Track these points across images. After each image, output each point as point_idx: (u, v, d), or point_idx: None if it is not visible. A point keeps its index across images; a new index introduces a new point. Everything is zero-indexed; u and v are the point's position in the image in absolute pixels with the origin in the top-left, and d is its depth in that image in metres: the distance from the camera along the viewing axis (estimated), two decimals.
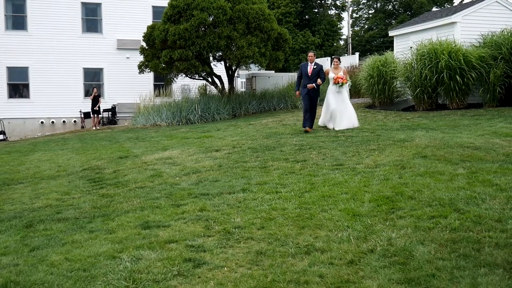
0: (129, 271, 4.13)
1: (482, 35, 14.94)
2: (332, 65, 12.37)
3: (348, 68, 24.23)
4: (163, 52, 19.12)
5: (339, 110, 11.93)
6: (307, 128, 11.94)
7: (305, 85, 12.08)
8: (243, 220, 5.34)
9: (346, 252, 4.25)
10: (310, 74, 11.99)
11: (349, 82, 12.37)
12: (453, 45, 14.18)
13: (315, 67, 12.02)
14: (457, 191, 5.70)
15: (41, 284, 4.03)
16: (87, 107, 25.04)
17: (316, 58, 38.67)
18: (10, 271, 4.33)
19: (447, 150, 8.02)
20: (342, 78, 11.81)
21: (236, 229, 5.03)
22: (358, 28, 57.35)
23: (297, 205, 5.76)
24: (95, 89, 23.58)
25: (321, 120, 12.62)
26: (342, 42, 50.12)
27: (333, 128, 11.90)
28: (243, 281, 3.84)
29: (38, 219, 6.05)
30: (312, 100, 12.13)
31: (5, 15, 24.51)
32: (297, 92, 12.56)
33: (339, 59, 12.38)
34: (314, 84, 11.95)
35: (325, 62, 26.47)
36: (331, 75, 12.06)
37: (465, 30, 15.34)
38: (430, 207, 5.25)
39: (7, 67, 24.41)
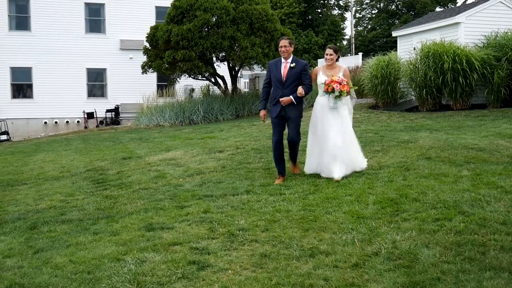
0: (133, 273, 4.12)
1: (486, 36, 14.91)
2: (325, 62, 7.31)
3: (351, 69, 21.89)
4: (166, 52, 19.13)
5: (336, 143, 6.97)
6: (279, 178, 7.16)
7: (276, 99, 7.12)
8: (247, 222, 5.33)
9: (350, 255, 4.23)
10: (284, 79, 7.01)
11: (353, 93, 7.35)
12: (457, 46, 14.15)
13: (293, 65, 7.02)
14: (462, 193, 5.68)
15: (45, 286, 4.03)
16: (90, 108, 25.09)
17: (317, 59, 36.63)
18: (14, 274, 4.34)
19: (451, 151, 8.00)
20: (339, 83, 6.80)
21: (240, 231, 5.03)
22: (361, 28, 57.27)
23: (301, 207, 5.75)
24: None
25: (308, 164, 7.46)
26: (345, 42, 50.10)
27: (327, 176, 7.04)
28: (247, 284, 3.84)
29: (42, 220, 6.05)
30: (292, 124, 7.15)
31: (8, 15, 24.60)
32: (262, 112, 7.33)
33: (335, 51, 7.16)
34: (291, 97, 6.96)
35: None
36: (321, 78, 7.05)
37: (469, 31, 15.31)
38: (435, 210, 5.23)
39: (10, 67, 24.50)
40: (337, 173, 6.88)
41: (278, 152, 7.26)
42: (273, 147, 7.34)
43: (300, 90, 6.90)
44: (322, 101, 7.15)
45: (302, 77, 7.05)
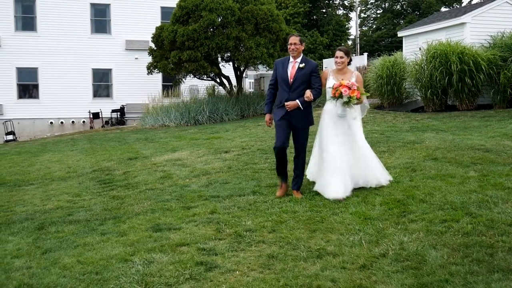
0: (141, 274, 4.14)
1: (492, 36, 14.87)
2: (334, 65, 6.43)
3: (357, 70, 22.36)
4: (171, 53, 19.17)
5: (346, 156, 6.18)
6: (295, 192, 6.36)
7: (281, 103, 6.31)
8: (254, 223, 5.34)
9: (358, 256, 4.24)
10: (292, 80, 6.21)
11: (365, 100, 6.48)
12: (463, 46, 14.12)
13: (302, 65, 6.20)
14: (469, 195, 5.67)
15: (54, 287, 4.05)
16: (96, 108, 25.16)
17: (322, 59, 36.36)
18: (23, 274, 4.36)
19: (457, 152, 7.98)
20: (348, 87, 5.96)
21: (247, 232, 5.03)
22: (366, 28, 57.20)
23: (307, 208, 5.75)
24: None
25: (310, 171, 6.85)
26: (350, 42, 50.03)
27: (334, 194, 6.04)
28: (255, 285, 3.85)
29: (49, 221, 6.08)
30: (297, 133, 6.36)
31: (14, 16, 24.70)
32: (267, 117, 6.48)
33: (347, 53, 6.33)
34: (297, 101, 6.15)
35: (333, 64, 25.85)
36: (330, 82, 6.23)
37: (474, 31, 15.27)
38: (442, 211, 5.22)
39: (16, 67, 24.59)
40: (336, 192, 6.01)
41: (281, 162, 6.39)
42: (275, 156, 6.41)
43: (308, 93, 6.08)
44: (330, 108, 6.31)
45: (312, 79, 6.19)
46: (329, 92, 6.25)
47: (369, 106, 6.70)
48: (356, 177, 6.26)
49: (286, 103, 6.20)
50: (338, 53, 6.32)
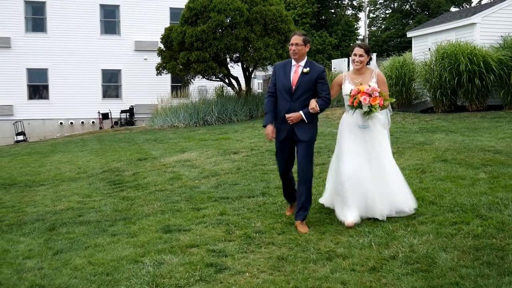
0: (151, 275, 4.16)
1: (502, 36, 14.77)
2: (351, 66, 5.54)
3: None
4: (180, 53, 19.22)
5: (369, 177, 5.24)
6: (298, 223, 5.19)
7: (282, 114, 5.25)
8: (263, 225, 5.35)
9: (367, 259, 4.24)
10: (294, 87, 5.20)
11: (389, 107, 5.42)
12: (473, 46, 14.04)
13: (306, 70, 5.20)
14: (479, 197, 5.65)
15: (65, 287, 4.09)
16: (105, 108, 25.29)
17: (331, 59, 36.17)
18: (35, 275, 4.40)
19: (467, 153, 7.94)
20: (368, 94, 5.00)
21: (257, 234, 5.05)
22: (375, 28, 56.99)
23: (317, 210, 5.76)
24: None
25: (325, 196, 5.89)
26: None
27: (353, 220, 5.12)
28: (265, 287, 3.86)
29: (60, 222, 6.13)
30: (302, 152, 5.25)
31: (25, 17, 24.91)
32: (269, 128, 5.28)
33: (367, 51, 5.28)
34: (301, 113, 5.15)
35: (341, 64, 25.82)
36: (347, 87, 5.30)
37: (485, 31, 15.17)
38: (452, 213, 5.21)
39: (27, 68, 24.79)
40: (349, 217, 5.12)
41: (287, 187, 5.65)
42: (281, 178, 5.65)
43: (313, 104, 5.10)
44: (349, 120, 5.37)
45: (318, 87, 5.19)
46: (346, 100, 5.29)
47: (392, 112, 5.73)
48: (385, 199, 5.26)
49: (287, 115, 5.19)
50: (357, 50, 5.28)
